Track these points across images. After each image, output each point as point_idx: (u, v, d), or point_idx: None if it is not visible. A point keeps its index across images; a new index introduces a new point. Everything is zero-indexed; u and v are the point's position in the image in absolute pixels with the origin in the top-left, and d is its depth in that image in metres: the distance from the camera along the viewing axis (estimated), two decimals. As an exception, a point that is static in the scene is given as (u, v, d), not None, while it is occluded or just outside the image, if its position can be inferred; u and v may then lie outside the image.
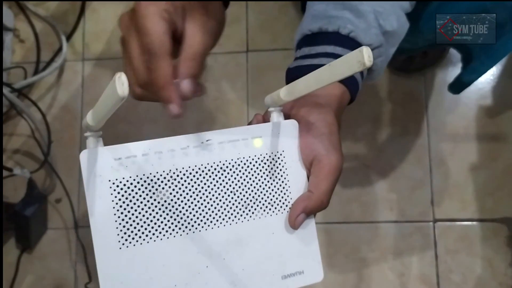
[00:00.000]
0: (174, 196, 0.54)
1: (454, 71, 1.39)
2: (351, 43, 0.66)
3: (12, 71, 1.52)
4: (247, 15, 1.51)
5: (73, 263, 1.43)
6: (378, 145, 1.39)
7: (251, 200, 0.57)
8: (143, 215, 0.53)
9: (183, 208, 0.54)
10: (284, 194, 0.59)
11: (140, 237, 0.52)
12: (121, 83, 0.37)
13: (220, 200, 0.56)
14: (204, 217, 0.55)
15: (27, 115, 1.36)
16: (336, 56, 0.65)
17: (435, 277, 1.32)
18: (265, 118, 0.63)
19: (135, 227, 0.52)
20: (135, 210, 0.52)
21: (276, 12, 1.50)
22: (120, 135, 1.44)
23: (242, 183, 0.57)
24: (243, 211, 0.57)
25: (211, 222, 0.55)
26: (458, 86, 0.88)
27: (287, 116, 0.61)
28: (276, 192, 0.58)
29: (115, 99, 0.38)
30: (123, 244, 0.52)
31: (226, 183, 0.56)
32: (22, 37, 1.57)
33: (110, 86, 0.39)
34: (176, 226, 0.54)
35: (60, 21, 1.56)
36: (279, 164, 0.59)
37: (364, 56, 0.43)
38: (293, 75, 0.66)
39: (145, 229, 0.53)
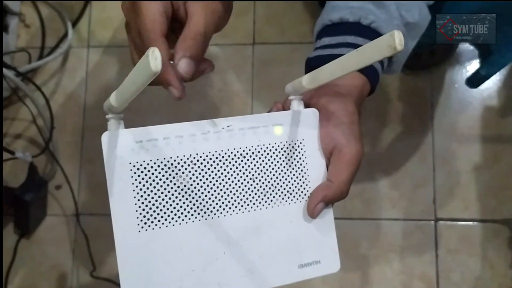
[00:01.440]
0: (194, 181, 0.54)
1: (460, 70, 1.39)
2: (372, 34, 0.66)
3: (17, 56, 1.51)
4: (255, 7, 1.50)
5: (71, 250, 1.42)
6: (382, 142, 1.38)
7: (270, 188, 0.57)
8: (163, 199, 0.52)
9: (202, 193, 0.54)
10: (303, 182, 0.58)
11: (159, 220, 0.52)
12: (154, 58, 0.37)
13: (239, 187, 0.56)
14: (223, 203, 0.55)
15: (31, 100, 1.35)
16: (357, 46, 0.64)
17: (435, 276, 1.32)
18: (285, 106, 0.63)
19: (154, 211, 0.52)
20: (155, 194, 0.52)
21: (284, 6, 1.49)
22: (124, 124, 1.42)
23: (261, 170, 0.57)
24: (262, 199, 0.57)
25: (229, 208, 0.55)
26: (476, 80, 0.88)
27: (306, 106, 0.61)
28: (295, 181, 0.58)
29: (147, 74, 0.38)
30: (142, 227, 0.52)
31: (246, 169, 0.56)
32: (27, 22, 1.55)
33: (142, 62, 0.38)
34: (195, 211, 0.54)
35: (66, 7, 1.55)
36: (299, 152, 0.58)
37: (396, 40, 0.42)
38: (312, 65, 0.66)
39: (164, 213, 0.52)
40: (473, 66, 1.39)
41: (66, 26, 1.51)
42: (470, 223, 1.33)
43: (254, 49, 1.48)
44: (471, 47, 1.38)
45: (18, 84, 1.30)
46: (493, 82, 1.38)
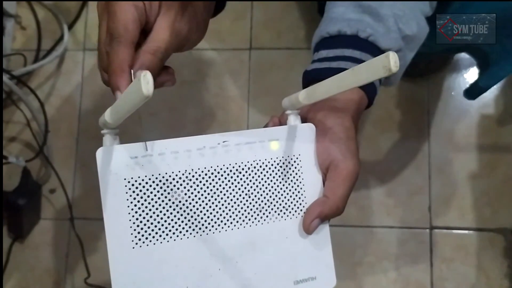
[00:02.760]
0: (189, 197, 0.54)
1: (458, 78, 1.39)
2: (370, 47, 0.65)
3: (12, 58, 1.50)
4: (252, 12, 1.49)
5: (65, 255, 1.41)
6: (378, 149, 1.38)
7: (265, 204, 0.57)
8: (158, 215, 0.52)
9: (197, 209, 0.54)
10: (299, 198, 0.58)
11: (153, 237, 0.52)
12: (146, 82, 0.37)
13: (235, 203, 0.55)
14: (218, 219, 0.55)
15: (25, 103, 1.34)
16: (354, 59, 0.64)
17: (429, 284, 1.32)
18: (281, 120, 0.62)
19: (149, 227, 0.52)
20: (150, 210, 0.52)
21: (281, 11, 1.49)
22: (119, 128, 1.42)
23: (257, 186, 0.57)
24: (257, 214, 0.56)
25: (225, 224, 0.55)
26: (474, 91, 0.88)
27: (303, 120, 0.61)
28: (291, 196, 0.58)
29: (138, 97, 0.38)
30: (136, 243, 0.51)
31: (241, 185, 0.56)
32: (23, 24, 1.54)
33: (134, 84, 0.38)
34: (190, 227, 0.53)
35: (63, 9, 1.54)
36: (295, 168, 0.58)
37: (390, 61, 0.42)
38: (310, 78, 0.65)
39: (159, 229, 0.52)
40: (470, 74, 1.39)
41: (62, 29, 1.50)
42: (466, 231, 1.33)
43: (251, 54, 1.47)
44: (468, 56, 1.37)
45: (12, 87, 1.29)
46: (490, 91, 1.36)
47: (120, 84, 0.50)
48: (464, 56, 1.39)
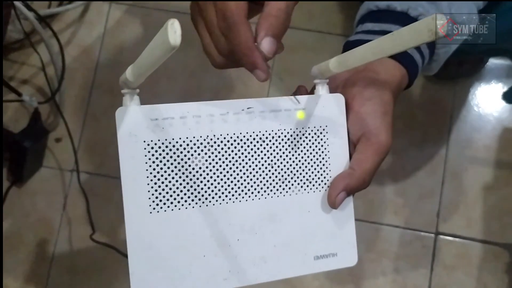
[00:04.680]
0: (210, 163, 0.52)
1: (486, 86, 1.36)
2: None
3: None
4: (286, -11, 1.46)
5: (62, 206, 1.39)
6: (394, 146, 1.34)
7: (288, 175, 0.55)
8: (177, 180, 0.50)
9: (218, 177, 0.52)
10: (324, 171, 0.56)
11: (172, 203, 0.50)
12: (173, 31, 0.34)
13: (257, 172, 0.53)
14: (239, 188, 0.53)
15: (46, 45, 1.31)
16: (401, 37, 0.61)
17: (426, 290, 1.30)
18: (310, 93, 0.60)
19: (167, 192, 0.50)
20: (169, 175, 0.50)
21: (316, -8, 1.46)
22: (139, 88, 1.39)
23: (280, 156, 0.54)
24: (280, 186, 0.54)
25: (245, 194, 0.53)
26: (513, 95, 0.86)
27: (341, 87, 0.59)
28: (315, 169, 0.55)
29: (165, 48, 0.35)
30: (154, 208, 0.50)
31: (265, 154, 0.54)
32: (51, -34, 1.51)
33: (160, 34, 0.36)
34: (209, 195, 0.52)
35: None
36: (321, 139, 0.56)
37: (437, 23, 0.38)
38: (351, 48, 0.62)
39: (178, 195, 0.50)
40: (500, 84, 1.36)
41: (91, -23, 1.47)
42: (471, 242, 1.31)
43: (279, 31, 1.44)
44: (501, 64, 1.34)
45: (36, 27, 1.26)
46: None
47: (256, 61, 0.48)
48: (496, 65, 1.36)
